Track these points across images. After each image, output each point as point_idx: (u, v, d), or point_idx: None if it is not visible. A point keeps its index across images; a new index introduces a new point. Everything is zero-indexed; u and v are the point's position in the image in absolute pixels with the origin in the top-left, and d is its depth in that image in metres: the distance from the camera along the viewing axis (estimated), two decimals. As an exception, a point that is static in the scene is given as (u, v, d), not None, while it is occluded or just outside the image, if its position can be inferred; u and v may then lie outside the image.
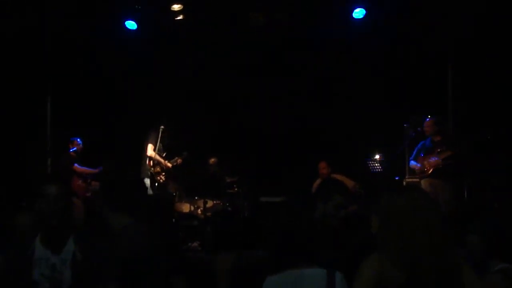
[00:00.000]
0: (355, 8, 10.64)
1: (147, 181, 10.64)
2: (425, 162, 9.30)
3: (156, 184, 10.67)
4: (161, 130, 10.68)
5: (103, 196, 4.66)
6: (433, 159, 9.17)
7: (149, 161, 10.67)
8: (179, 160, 11.02)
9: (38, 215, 3.74)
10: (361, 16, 10.68)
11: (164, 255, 4.00)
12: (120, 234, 3.99)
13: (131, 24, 10.90)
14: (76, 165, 11.23)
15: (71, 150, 11.25)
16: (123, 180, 10.84)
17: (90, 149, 11.50)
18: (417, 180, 9.61)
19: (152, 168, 10.64)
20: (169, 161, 10.93)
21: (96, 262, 3.72)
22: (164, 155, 10.92)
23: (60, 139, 11.31)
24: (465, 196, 9.29)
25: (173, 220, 9.49)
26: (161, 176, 10.77)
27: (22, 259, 3.70)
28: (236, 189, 11.37)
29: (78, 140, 11.34)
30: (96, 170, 11.41)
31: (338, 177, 10.98)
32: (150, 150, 10.68)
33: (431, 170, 9.24)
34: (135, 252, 3.82)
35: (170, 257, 4.19)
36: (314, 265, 3.36)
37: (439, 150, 9.16)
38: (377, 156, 10.85)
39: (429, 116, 9.87)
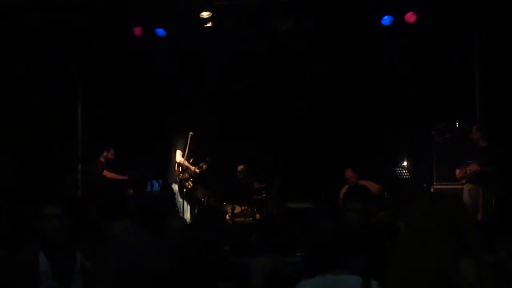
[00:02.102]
0: (383, 15, 10.63)
1: (175, 187, 10.74)
2: (467, 168, 9.32)
3: (185, 190, 10.76)
4: (189, 136, 10.77)
5: (99, 203, 4.73)
6: (473, 165, 9.20)
7: (178, 167, 10.76)
8: (204, 166, 11.07)
9: (40, 233, 3.83)
10: (388, 23, 10.67)
11: (164, 259, 4.00)
12: (115, 239, 4.03)
13: (161, 31, 11.02)
14: (106, 171, 11.37)
15: (101, 156, 11.40)
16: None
17: (120, 156, 11.63)
18: (445, 186, 9.65)
19: (181, 174, 10.73)
20: (196, 167, 11.01)
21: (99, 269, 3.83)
22: (191, 161, 11.00)
23: (90, 145, 11.45)
24: (493, 204, 9.26)
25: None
26: (189, 182, 10.85)
27: (28, 272, 3.79)
28: (264, 195, 11.43)
29: (111, 148, 11.47)
30: (126, 177, 11.52)
31: (364, 182, 11.03)
32: (179, 157, 10.76)
33: (469, 176, 9.27)
34: (129, 256, 3.86)
35: (216, 261, 4.23)
36: (347, 271, 3.40)
37: (480, 157, 9.18)
38: (404, 163, 10.86)
39: (457, 124, 9.91)
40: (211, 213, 4.93)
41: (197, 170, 10.95)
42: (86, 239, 4.20)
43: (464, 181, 9.40)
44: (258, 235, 4.60)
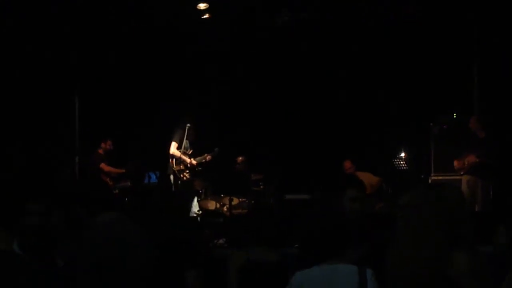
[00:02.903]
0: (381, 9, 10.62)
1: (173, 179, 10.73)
2: (466, 159, 9.30)
3: (180, 181, 10.72)
4: (187, 128, 10.70)
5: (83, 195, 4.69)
6: (471, 156, 9.19)
7: (172, 159, 10.71)
8: (208, 157, 10.99)
9: (20, 229, 3.79)
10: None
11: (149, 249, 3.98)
12: (94, 227, 3.99)
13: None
14: (103, 164, 11.34)
15: (99, 148, 11.36)
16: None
17: (118, 148, 11.61)
18: (443, 178, 9.66)
19: (176, 166, 10.68)
20: (195, 158, 10.93)
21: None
22: (190, 152, 10.93)
23: (87, 137, 11.43)
24: (491, 195, 9.26)
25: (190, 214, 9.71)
26: (184, 174, 10.79)
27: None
28: (262, 186, 11.43)
29: (108, 139, 11.44)
30: (123, 170, 11.50)
31: (363, 174, 11.04)
32: (173, 148, 10.70)
33: (468, 167, 9.26)
34: (108, 243, 3.81)
35: (183, 251, 4.22)
36: (344, 261, 3.42)
37: (479, 148, 9.18)
38: (402, 154, 10.87)
39: (455, 115, 9.91)
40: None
41: (194, 162, 10.89)
42: (69, 237, 4.15)
43: (462, 172, 9.40)
44: (249, 227, 4.59)
